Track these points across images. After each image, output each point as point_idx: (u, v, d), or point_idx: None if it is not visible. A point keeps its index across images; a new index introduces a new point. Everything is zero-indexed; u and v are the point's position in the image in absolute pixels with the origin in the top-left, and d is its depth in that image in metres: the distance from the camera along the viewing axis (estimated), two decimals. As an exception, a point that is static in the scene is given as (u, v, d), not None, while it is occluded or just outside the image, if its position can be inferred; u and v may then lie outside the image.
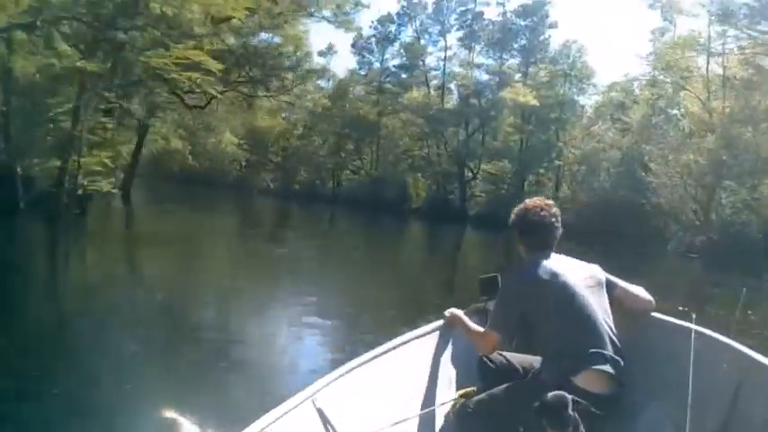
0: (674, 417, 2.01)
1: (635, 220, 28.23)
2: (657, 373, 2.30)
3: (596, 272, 2.38)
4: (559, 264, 2.29)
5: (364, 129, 42.75)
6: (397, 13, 44.55)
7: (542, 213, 2.35)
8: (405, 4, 43.91)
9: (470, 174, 39.62)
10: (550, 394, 1.86)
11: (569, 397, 1.85)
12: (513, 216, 2.44)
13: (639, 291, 2.47)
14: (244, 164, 47.48)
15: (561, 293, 2.19)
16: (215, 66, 19.23)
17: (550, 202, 2.44)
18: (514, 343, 2.40)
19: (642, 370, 2.24)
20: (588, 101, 41.00)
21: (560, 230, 2.37)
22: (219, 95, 26.21)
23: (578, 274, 2.29)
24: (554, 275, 2.22)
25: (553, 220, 2.36)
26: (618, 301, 2.36)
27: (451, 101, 41.98)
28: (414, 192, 41.17)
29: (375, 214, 32.45)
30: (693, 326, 2.26)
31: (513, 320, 2.28)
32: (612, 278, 2.42)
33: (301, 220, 30.26)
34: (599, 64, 58.79)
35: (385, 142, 43.99)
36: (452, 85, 42.66)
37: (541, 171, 38.80)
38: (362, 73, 46.89)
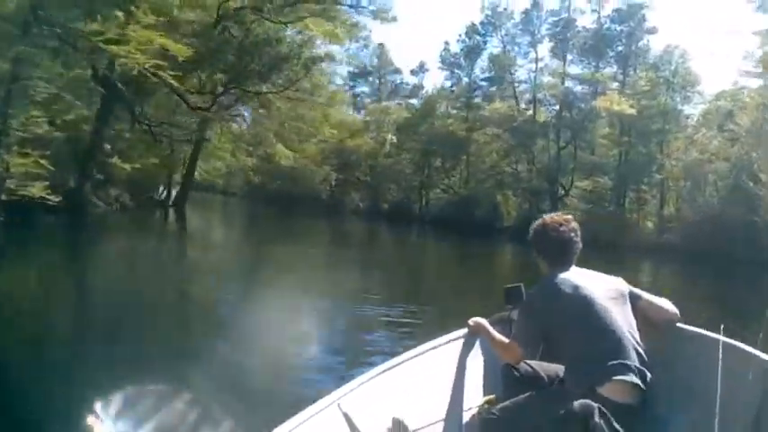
0: (699, 429, 2.00)
1: (747, 239, 25.44)
2: (683, 385, 2.30)
3: (619, 284, 2.37)
4: (580, 277, 2.30)
5: (452, 145, 41.86)
6: (482, 23, 43.55)
7: (561, 229, 2.37)
8: (489, 12, 42.93)
9: (563, 190, 37.73)
10: (576, 403, 1.89)
11: (595, 406, 1.87)
12: (531, 232, 2.47)
13: (664, 302, 2.47)
14: (334, 183, 48.24)
15: (583, 306, 2.19)
16: (181, 51, 17.75)
17: (569, 216, 2.46)
18: (540, 352, 2.39)
19: (668, 381, 2.23)
20: (693, 110, 37.90)
21: (580, 245, 2.39)
22: (221, 92, 24.74)
23: (600, 286, 2.29)
24: (575, 288, 2.22)
25: (572, 235, 2.38)
26: (642, 312, 2.35)
27: (541, 113, 40.31)
28: (504, 210, 40.00)
29: (465, 234, 31.05)
30: (721, 337, 2.25)
31: (536, 334, 2.30)
32: (636, 290, 2.42)
33: (389, 242, 29.54)
34: (703, 70, 54.35)
35: (474, 159, 42.99)
36: (542, 96, 40.97)
37: (643, 187, 36.12)
38: (451, 88, 46.31)
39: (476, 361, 2.70)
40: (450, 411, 2.42)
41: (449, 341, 2.65)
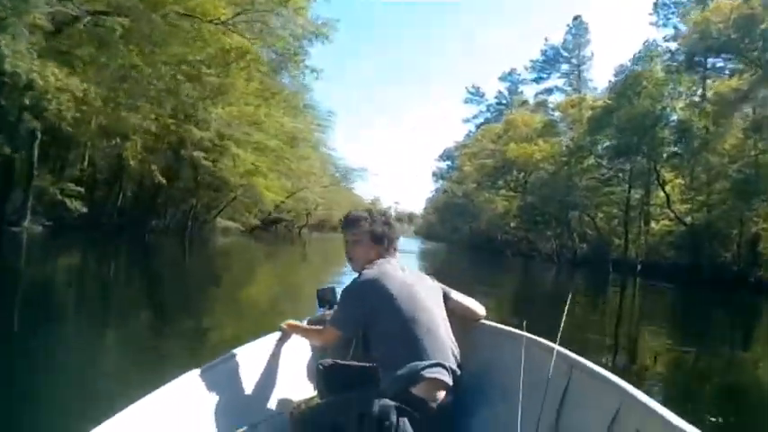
0: (506, 421, 2.05)
1: None
2: (488, 380, 2.39)
3: (433, 282, 2.44)
4: (400, 271, 2.32)
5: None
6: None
7: (390, 221, 2.46)
8: None
9: None
10: (376, 403, 1.94)
11: (392, 405, 1.94)
12: (357, 218, 2.47)
13: (471, 301, 2.59)
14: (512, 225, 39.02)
15: (401, 298, 2.19)
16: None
17: (385, 210, 2.69)
18: (351, 351, 2.41)
19: (476, 376, 2.33)
20: None
21: (399, 237, 2.47)
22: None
23: (418, 282, 2.33)
24: (400, 281, 2.25)
25: (395, 227, 2.46)
26: (451, 310, 2.41)
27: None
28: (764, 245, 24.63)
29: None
30: (524, 333, 2.35)
31: (355, 316, 2.27)
32: (446, 288, 2.49)
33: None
34: None
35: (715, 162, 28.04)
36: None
37: None
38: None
39: (288, 363, 2.65)
40: (259, 414, 2.34)
41: (259, 344, 2.60)
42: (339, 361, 2.32)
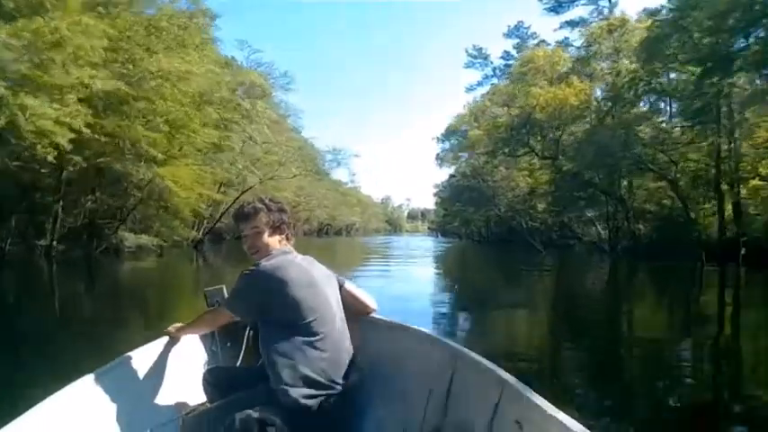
0: (397, 411, 2.20)
1: None
2: (380, 371, 2.38)
3: (330, 272, 2.40)
4: (299, 260, 2.29)
5: None
6: None
7: (286, 209, 2.40)
8: None
9: None
10: (257, 408, 1.90)
11: (277, 407, 1.93)
12: (262, 206, 2.38)
13: (364, 294, 2.57)
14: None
15: (299, 288, 2.14)
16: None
17: (279, 200, 2.46)
18: (242, 355, 2.44)
19: (366, 369, 2.30)
20: None
21: (290, 224, 2.39)
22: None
23: (316, 271, 2.29)
24: (293, 270, 2.19)
25: (289, 216, 2.41)
26: (344, 301, 2.37)
27: None
28: None
29: None
30: (410, 325, 2.44)
31: (246, 303, 2.22)
32: (340, 278, 2.46)
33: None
34: None
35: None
36: None
37: None
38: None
39: (176, 368, 2.56)
40: (149, 421, 2.25)
41: (150, 348, 2.53)
42: (222, 366, 2.51)
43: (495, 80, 50.82)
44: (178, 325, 2.59)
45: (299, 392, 1.99)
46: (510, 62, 48.37)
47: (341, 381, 2.09)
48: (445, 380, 2.07)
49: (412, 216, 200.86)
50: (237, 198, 29.09)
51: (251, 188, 30.85)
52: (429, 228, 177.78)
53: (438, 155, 58.20)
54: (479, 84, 52.58)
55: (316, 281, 2.21)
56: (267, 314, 2.14)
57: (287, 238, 2.35)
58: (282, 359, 2.04)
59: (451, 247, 42.79)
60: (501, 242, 41.88)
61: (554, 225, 35.24)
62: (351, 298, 2.46)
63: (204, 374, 2.35)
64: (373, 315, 2.55)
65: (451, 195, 56.73)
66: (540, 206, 34.72)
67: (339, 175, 77.17)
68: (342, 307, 2.29)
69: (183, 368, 2.57)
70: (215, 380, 2.29)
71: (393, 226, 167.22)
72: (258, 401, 1.96)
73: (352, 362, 2.17)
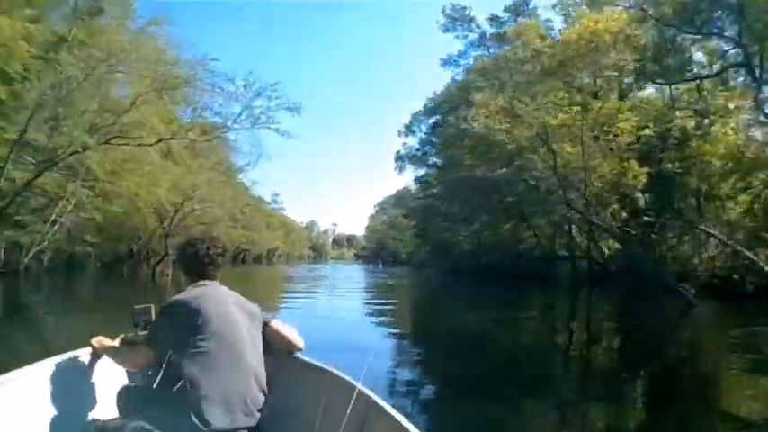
0: None
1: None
2: (293, 411, 2.39)
3: (254, 309, 2.44)
4: (218, 294, 2.35)
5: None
6: None
7: (199, 246, 2.45)
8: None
9: None
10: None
11: None
12: (176, 251, 2.74)
13: (291, 331, 2.56)
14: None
15: (213, 321, 2.21)
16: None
17: (214, 236, 2.63)
18: (162, 373, 2.29)
19: (280, 407, 2.32)
20: None
21: (219, 262, 2.47)
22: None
23: (235, 307, 2.34)
24: (209, 303, 2.26)
25: (211, 252, 2.44)
26: (269, 339, 2.44)
27: None
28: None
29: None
30: (329, 368, 2.46)
31: (165, 338, 2.24)
32: (267, 316, 2.50)
33: None
34: None
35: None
36: None
37: None
38: None
39: (96, 381, 2.59)
40: (63, 427, 2.28)
41: (71, 357, 2.55)
42: (140, 385, 2.38)
43: (480, 51, 37.45)
44: (103, 340, 2.56)
45: (210, 421, 2.02)
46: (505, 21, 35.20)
47: (252, 414, 2.15)
48: (356, 428, 2.09)
49: (338, 242, 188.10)
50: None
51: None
52: (356, 255, 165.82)
53: (400, 154, 43.65)
54: (460, 55, 38.96)
55: (230, 314, 2.28)
56: (183, 344, 2.17)
57: (206, 275, 2.43)
58: (196, 388, 2.07)
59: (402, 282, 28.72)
60: (514, 278, 27.98)
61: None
62: (276, 336, 2.49)
63: (120, 391, 2.33)
64: (297, 355, 2.56)
65: (424, 208, 41.62)
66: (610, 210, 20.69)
67: (261, 192, 62.97)
68: (259, 343, 2.35)
69: (101, 382, 2.58)
70: (131, 398, 2.26)
71: (318, 252, 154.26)
72: (170, 424, 2.01)
73: (265, 397, 2.23)
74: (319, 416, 2.12)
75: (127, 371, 2.62)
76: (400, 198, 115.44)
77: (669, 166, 18.54)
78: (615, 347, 10.49)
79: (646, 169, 17.60)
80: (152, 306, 2.60)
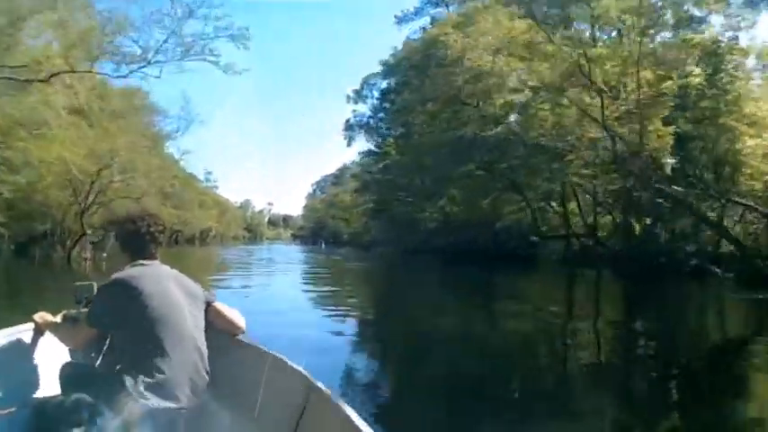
0: None
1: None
2: (234, 394, 2.35)
3: (197, 289, 2.41)
4: (159, 274, 2.31)
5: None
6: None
7: (139, 224, 2.38)
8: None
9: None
10: (107, 414, 1.91)
11: (122, 416, 1.92)
12: (115, 227, 2.58)
13: (233, 312, 2.55)
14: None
15: (152, 300, 2.17)
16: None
17: (152, 212, 2.57)
18: (103, 351, 2.28)
19: (221, 389, 2.29)
20: None
21: (160, 240, 2.42)
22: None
23: (176, 287, 2.30)
24: (150, 283, 2.22)
25: (152, 229, 2.38)
26: (211, 320, 2.41)
27: None
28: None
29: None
30: (271, 352, 2.39)
31: (104, 317, 2.22)
32: (210, 296, 2.47)
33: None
34: None
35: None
36: None
37: None
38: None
39: (37, 357, 2.57)
40: (4, 404, 2.21)
41: (14, 332, 2.55)
42: (81, 362, 2.35)
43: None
44: (46, 315, 2.53)
45: (149, 402, 1.98)
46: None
47: (196, 394, 2.14)
48: (297, 411, 2.12)
49: (273, 222, 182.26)
50: None
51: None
52: (293, 235, 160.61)
53: (350, 123, 39.57)
54: (418, 12, 35.19)
55: (170, 293, 2.23)
56: (122, 324, 2.17)
57: (145, 254, 2.35)
58: (138, 368, 2.04)
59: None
60: (490, 258, 25.08)
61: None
62: (218, 317, 2.47)
63: (62, 367, 2.29)
64: (239, 337, 2.53)
65: (380, 182, 37.39)
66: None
67: (193, 168, 57.53)
68: (201, 323, 2.31)
69: (42, 358, 2.57)
70: (72, 375, 2.24)
71: (253, 233, 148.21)
72: (111, 404, 1.96)
73: (208, 379, 2.21)
74: (260, 398, 2.17)
75: (69, 349, 2.53)
76: (340, 176, 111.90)
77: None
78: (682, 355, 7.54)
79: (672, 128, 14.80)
80: (94, 284, 2.53)
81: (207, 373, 2.20)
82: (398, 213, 35.24)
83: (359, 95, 37.85)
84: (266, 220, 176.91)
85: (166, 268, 2.36)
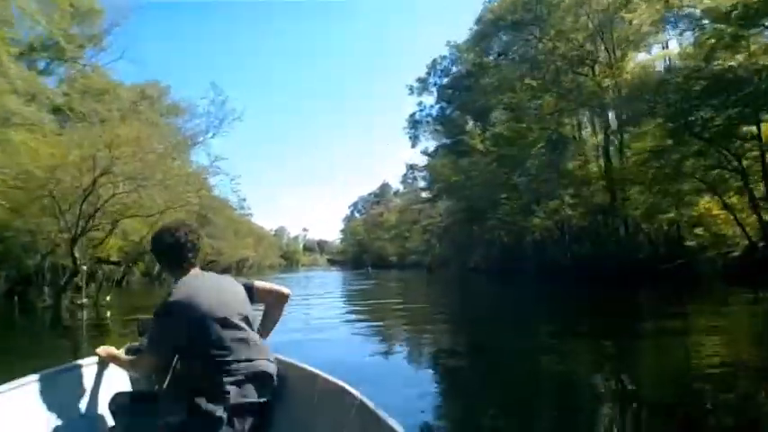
0: None
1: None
2: (297, 420, 2.38)
3: (239, 287, 2.41)
4: (208, 286, 2.29)
5: None
6: None
7: (177, 234, 2.37)
8: None
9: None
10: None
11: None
12: (150, 242, 2.48)
13: (274, 286, 2.60)
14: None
15: (212, 312, 2.18)
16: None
17: (189, 222, 2.47)
18: (170, 375, 2.29)
19: (284, 412, 2.35)
20: None
21: (198, 248, 2.40)
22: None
23: (225, 288, 2.32)
24: (204, 295, 2.22)
25: (191, 237, 2.38)
26: (260, 298, 2.50)
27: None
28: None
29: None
30: (331, 378, 2.38)
31: (165, 343, 2.22)
32: (248, 282, 2.51)
33: None
34: None
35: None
36: None
37: None
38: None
39: (101, 389, 2.60)
40: None
41: (75, 367, 2.57)
42: (136, 390, 2.57)
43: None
44: (109, 349, 2.59)
45: (216, 420, 2.05)
46: None
47: (268, 387, 2.24)
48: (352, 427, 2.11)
49: (308, 248, 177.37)
50: None
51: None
52: (329, 260, 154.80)
53: (415, 118, 32.28)
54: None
55: (225, 300, 2.25)
56: (186, 346, 2.18)
57: (191, 263, 2.37)
58: (208, 383, 2.09)
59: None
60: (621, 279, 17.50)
61: None
62: (265, 293, 2.53)
63: (113, 398, 2.37)
64: (293, 362, 2.57)
65: (464, 185, 28.74)
66: None
67: (225, 192, 51.62)
68: (251, 314, 2.35)
69: (106, 390, 2.58)
70: (123, 405, 2.32)
71: (289, 260, 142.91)
72: (174, 427, 2.04)
73: (276, 366, 2.30)
74: (320, 425, 2.20)
75: (131, 378, 2.67)
76: (381, 194, 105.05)
77: None
78: None
79: None
80: None
81: (272, 361, 2.28)
82: (486, 225, 27.45)
83: (424, 85, 30.71)
84: (301, 246, 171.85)
85: (212, 275, 2.38)
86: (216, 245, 56.67)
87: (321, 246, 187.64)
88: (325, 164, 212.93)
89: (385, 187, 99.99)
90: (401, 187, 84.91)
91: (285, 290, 2.58)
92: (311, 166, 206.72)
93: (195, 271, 2.34)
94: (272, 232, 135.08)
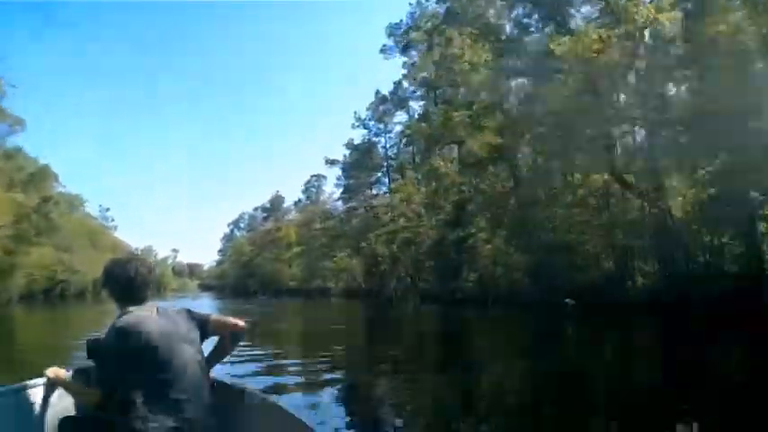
0: None
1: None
2: None
3: (190, 322, 2.37)
4: (154, 319, 2.27)
5: None
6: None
7: (128, 266, 2.36)
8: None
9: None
10: None
11: None
12: (102, 275, 2.45)
13: (229, 319, 2.57)
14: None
15: (155, 344, 2.16)
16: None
17: (140, 256, 2.51)
18: (110, 407, 2.22)
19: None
20: None
21: (151, 281, 2.39)
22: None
23: (174, 323, 2.30)
24: (148, 327, 2.20)
25: (142, 271, 2.36)
26: (213, 332, 2.48)
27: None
28: None
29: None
30: (283, 406, 2.44)
31: (111, 374, 2.20)
32: (202, 315, 2.47)
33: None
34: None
35: None
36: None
37: None
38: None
39: (48, 413, 2.54)
40: None
41: (22, 389, 2.51)
42: (82, 416, 2.39)
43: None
44: (58, 371, 2.50)
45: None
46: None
47: (200, 411, 2.19)
48: None
49: (177, 272, 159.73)
50: None
51: None
52: (200, 285, 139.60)
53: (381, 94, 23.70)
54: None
55: (171, 334, 2.22)
56: (133, 377, 2.13)
57: (138, 298, 2.33)
58: (146, 417, 2.06)
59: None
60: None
61: None
62: (219, 326, 2.50)
63: (61, 423, 2.30)
64: (234, 382, 2.64)
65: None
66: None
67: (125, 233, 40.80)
68: (202, 357, 2.33)
69: (53, 413, 2.53)
70: (73, 428, 2.27)
71: (155, 284, 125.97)
72: None
73: (210, 397, 2.28)
74: None
75: (76, 403, 2.57)
76: (272, 208, 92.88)
77: None
78: None
79: None
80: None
81: (206, 406, 2.23)
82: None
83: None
84: (171, 269, 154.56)
85: (162, 308, 2.33)
86: (66, 259, 44.28)
87: (192, 269, 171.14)
88: (205, 182, 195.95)
89: (277, 199, 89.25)
90: (302, 197, 75.76)
91: (240, 323, 2.54)
92: (192, 181, 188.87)
93: (147, 305, 2.31)
94: (138, 252, 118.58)
